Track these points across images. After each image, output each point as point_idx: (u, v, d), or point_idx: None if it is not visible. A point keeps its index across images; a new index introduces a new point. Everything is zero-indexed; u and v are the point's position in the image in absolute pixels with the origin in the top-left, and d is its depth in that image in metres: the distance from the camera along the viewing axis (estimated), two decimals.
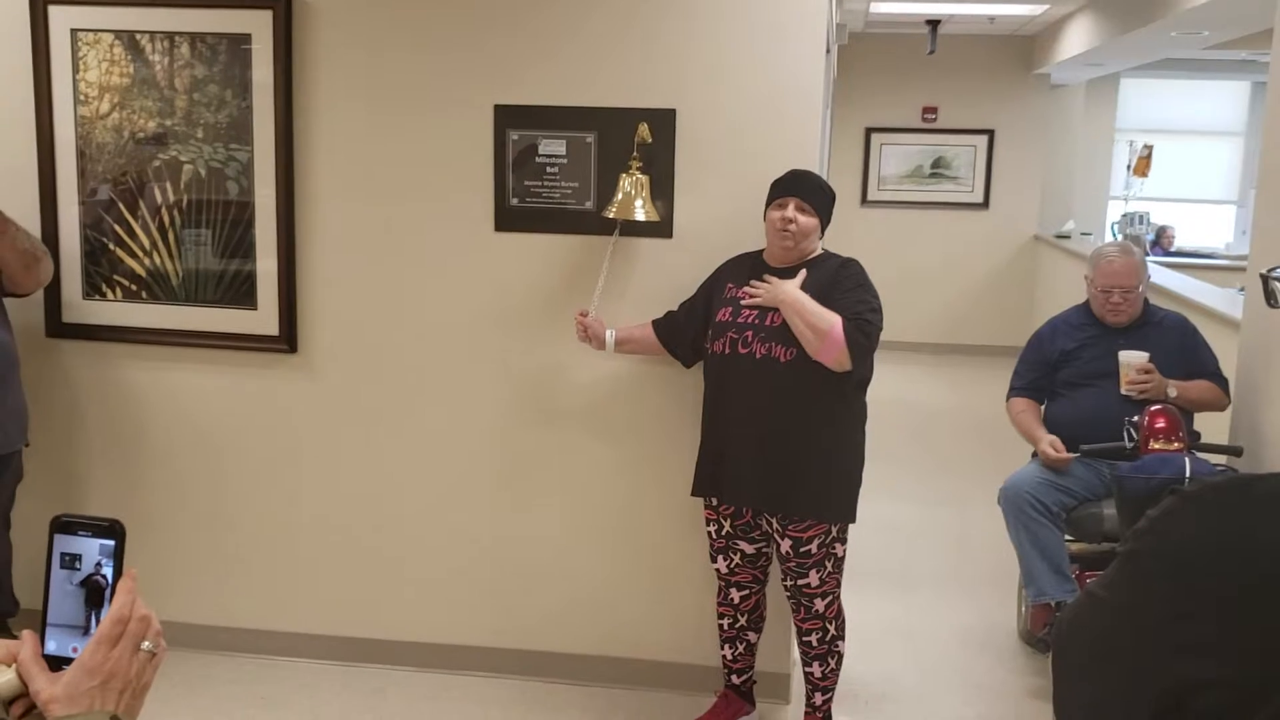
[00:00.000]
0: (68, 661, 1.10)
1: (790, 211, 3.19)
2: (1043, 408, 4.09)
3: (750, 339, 3.17)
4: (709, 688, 3.68)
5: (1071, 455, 3.83)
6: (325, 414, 3.82)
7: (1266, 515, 1.10)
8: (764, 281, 3.20)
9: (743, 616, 3.45)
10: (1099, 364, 3.87)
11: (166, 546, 3.93)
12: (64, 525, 1.14)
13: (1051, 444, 3.87)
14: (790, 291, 3.12)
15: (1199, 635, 1.07)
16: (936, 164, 10.63)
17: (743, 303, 3.21)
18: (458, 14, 3.57)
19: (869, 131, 10.63)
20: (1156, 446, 3.43)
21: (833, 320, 3.05)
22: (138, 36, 3.68)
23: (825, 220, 3.27)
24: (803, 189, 3.22)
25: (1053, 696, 1.27)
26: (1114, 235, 10.95)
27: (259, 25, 3.60)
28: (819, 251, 3.30)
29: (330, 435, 3.82)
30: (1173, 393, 3.72)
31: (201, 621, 3.94)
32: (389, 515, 3.85)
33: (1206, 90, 11.82)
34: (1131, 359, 3.77)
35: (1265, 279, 2.40)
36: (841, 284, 3.17)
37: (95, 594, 1.14)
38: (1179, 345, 3.87)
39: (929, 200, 10.66)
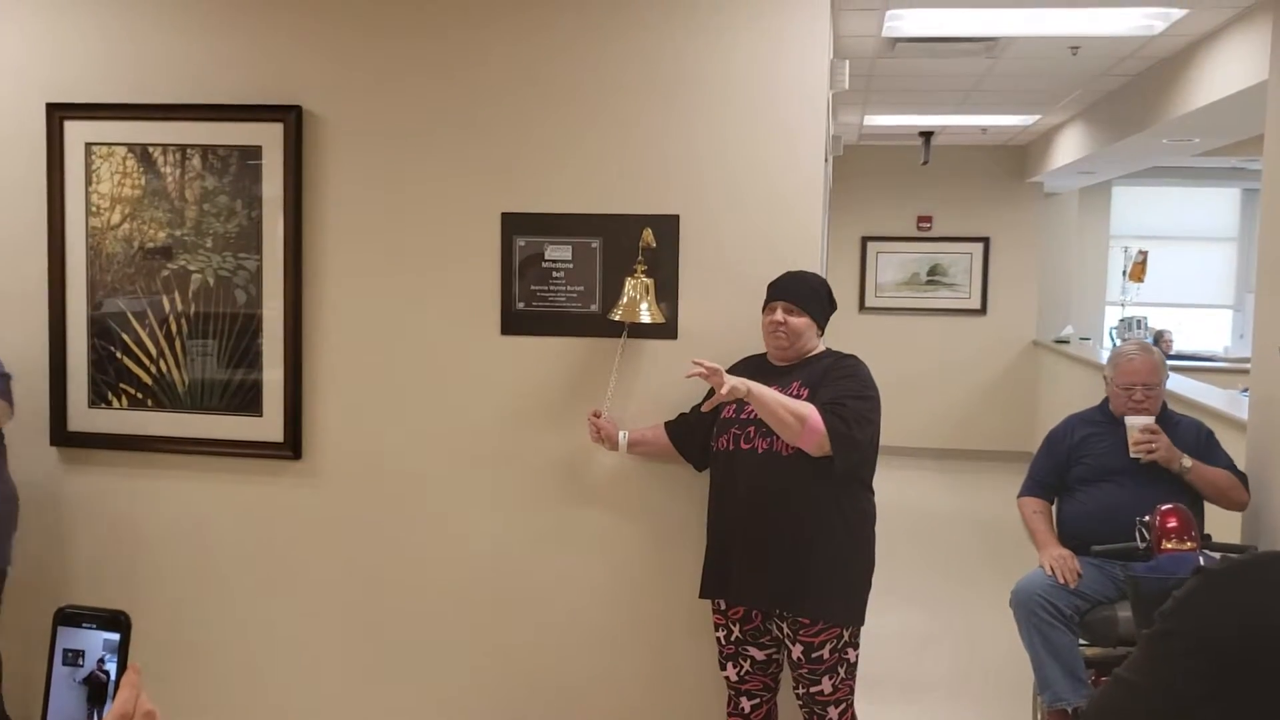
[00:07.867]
0: None
1: (779, 315, 3.24)
2: (1053, 506, 4.07)
3: (753, 434, 3.16)
4: None
5: (1077, 573, 3.79)
6: (329, 521, 3.79)
7: None
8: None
9: None
10: (1110, 459, 3.87)
11: (171, 655, 3.87)
12: (68, 617, 1.13)
13: (1057, 560, 3.83)
14: (750, 383, 3.03)
15: (1230, 716, 1.05)
16: (933, 271, 10.74)
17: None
18: (464, 124, 3.65)
19: (865, 240, 10.77)
20: (1169, 546, 3.40)
21: (809, 408, 3.04)
22: (150, 149, 3.75)
23: (819, 317, 3.28)
24: (788, 292, 3.26)
25: None
26: (1113, 340, 11.01)
27: (269, 137, 3.67)
28: (820, 349, 3.32)
29: (334, 542, 3.79)
30: (1187, 463, 3.73)
31: None
32: (393, 621, 3.79)
33: (1197, 197, 12.01)
34: (1136, 421, 3.82)
35: None
36: (832, 373, 3.18)
37: (97, 690, 1.12)
38: (1194, 446, 3.88)
39: (926, 307, 10.74)
